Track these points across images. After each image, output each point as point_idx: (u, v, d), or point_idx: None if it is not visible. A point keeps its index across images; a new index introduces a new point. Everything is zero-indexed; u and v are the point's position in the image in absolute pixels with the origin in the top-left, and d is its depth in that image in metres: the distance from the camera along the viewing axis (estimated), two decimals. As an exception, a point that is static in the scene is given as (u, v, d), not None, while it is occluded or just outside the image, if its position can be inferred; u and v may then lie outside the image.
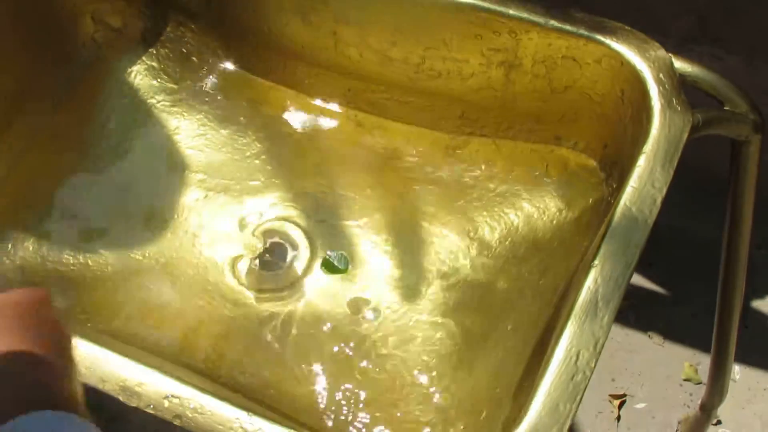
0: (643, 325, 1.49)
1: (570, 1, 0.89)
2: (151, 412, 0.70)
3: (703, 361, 1.43)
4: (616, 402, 1.43)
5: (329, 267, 0.97)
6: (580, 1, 0.92)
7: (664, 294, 1.52)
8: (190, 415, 0.69)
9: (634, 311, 1.49)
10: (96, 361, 0.72)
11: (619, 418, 1.43)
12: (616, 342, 1.47)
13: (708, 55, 1.31)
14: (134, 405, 0.70)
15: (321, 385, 0.90)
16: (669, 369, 1.46)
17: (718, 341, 1.10)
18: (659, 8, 1.26)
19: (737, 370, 1.44)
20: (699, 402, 1.29)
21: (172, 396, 0.70)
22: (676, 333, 1.48)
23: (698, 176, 1.37)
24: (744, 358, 1.43)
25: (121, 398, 0.71)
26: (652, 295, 1.52)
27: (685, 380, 1.45)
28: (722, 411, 1.38)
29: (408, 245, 0.98)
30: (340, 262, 0.97)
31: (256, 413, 0.69)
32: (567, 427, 0.67)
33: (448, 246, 0.97)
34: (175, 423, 0.69)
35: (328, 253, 0.97)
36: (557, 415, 0.67)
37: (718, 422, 1.41)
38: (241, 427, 0.68)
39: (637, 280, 1.52)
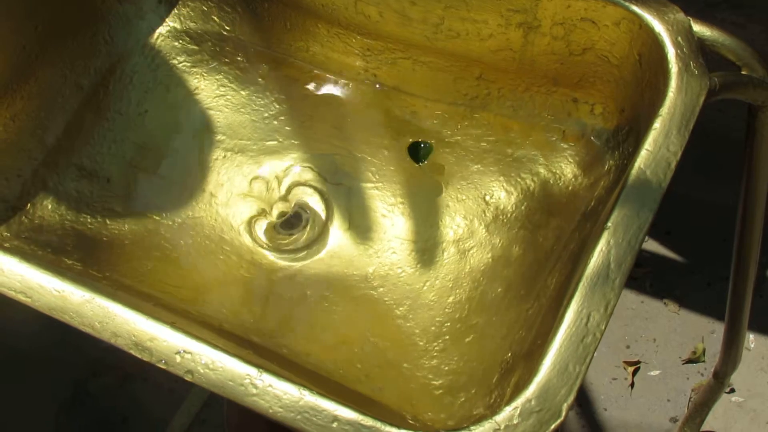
0: (658, 292, 1.49)
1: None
2: (163, 367, 0.70)
3: (718, 329, 1.43)
4: (630, 369, 1.44)
5: (415, 154, 0.99)
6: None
7: (681, 262, 1.52)
8: (201, 370, 0.70)
9: (650, 279, 1.49)
10: (109, 316, 0.72)
11: (632, 384, 1.43)
12: (632, 309, 1.48)
13: (729, 22, 1.30)
14: (147, 360, 0.71)
15: (333, 347, 0.90)
16: (684, 336, 1.46)
17: (731, 309, 1.10)
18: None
19: (752, 339, 1.44)
20: (712, 370, 1.29)
21: (184, 351, 0.70)
22: (692, 301, 1.49)
23: (719, 145, 1.36)
24: (759, 327, 1.44)
25: (133, 353, 0.71)
26: (669, 263, 1.52)
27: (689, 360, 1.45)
28: (735, 379, 1.39)
29: (424, 209, 0.98)
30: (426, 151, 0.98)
31: (267, 370, 0.69)
32: (576, 388, 0.67)
33: (463, 210, 0.97)
34: (186, 378, 0.70)
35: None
36: (567, 376, 0.67)
37: (732, 390, 1.41)
38: (252, 384, 0.69)
39: (655, 247, 1.52)
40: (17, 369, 1.58)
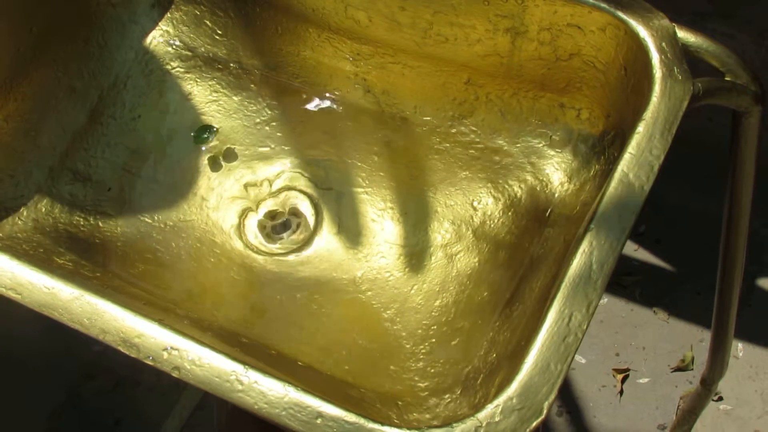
0: (648, 300, 1.50)
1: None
2: (151, 363, 0.71)
3: (707, 338, 1.44)
4: (619, 376, 1.44)
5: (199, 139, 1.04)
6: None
7: (671, 271, 1.53)
8: (188, 366, 0.70)
9: (640, 287, 1.50)
10: (97, 313, 0.73)
11: (621, 392, 1.44)
12: (621, 317, 1.48)
13: (719, 33, 1.31)
14: (134, 356, 0.71)
15: (321, 349, 0.91)
16: (672, 345, 1.47)
17: (718, 315, 1.11)
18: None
19: (740, 348, 1.44)
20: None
21: (171, 348, 0.71)
22: (681, 309, 1.49)
23: (709, 154, 1.37)
24: (747, 336, 1.44)
25: (121, 349, 0.72)
26: (659, 272, 1.52)
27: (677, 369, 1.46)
28: (724, 387, 1.39)
29: (412, 214, 0.98)
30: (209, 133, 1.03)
31: (253, 367, 0.70)
32: (558, 386, 0.68)
33: (452, 216, 0.97)
34: (173, 374, 0.70)
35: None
36: (548, 375, 0.68)
37: (720, 398, 1.41)
38: (238, 380, 0.69)
39: (645, 256, 1.53)
40: (10, 372, 1.59)
